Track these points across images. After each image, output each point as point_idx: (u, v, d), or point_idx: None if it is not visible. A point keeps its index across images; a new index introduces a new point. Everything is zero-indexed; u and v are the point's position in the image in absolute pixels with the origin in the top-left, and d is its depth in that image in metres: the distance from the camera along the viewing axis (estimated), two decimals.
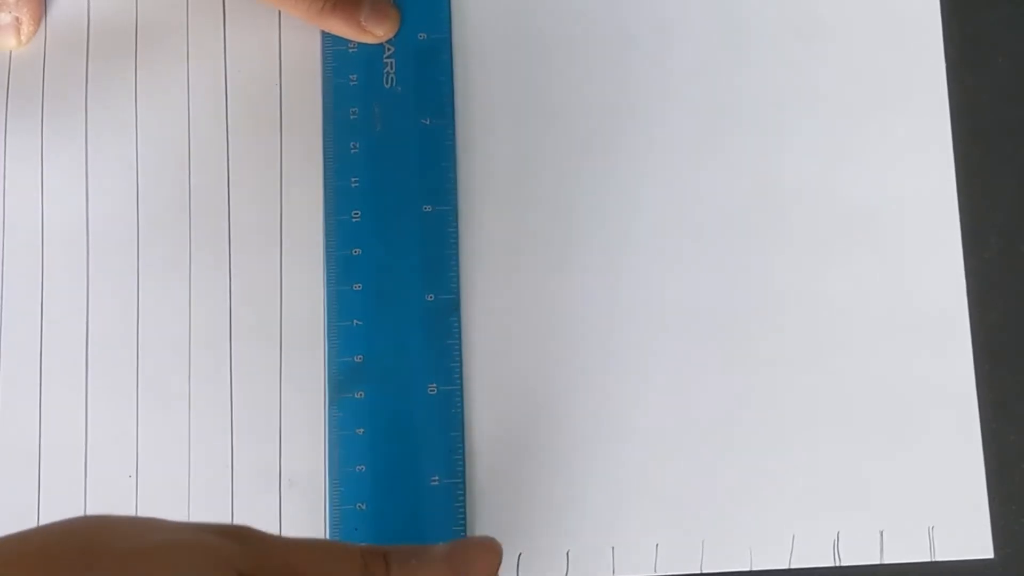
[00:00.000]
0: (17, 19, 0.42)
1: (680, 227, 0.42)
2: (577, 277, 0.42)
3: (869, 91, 0.43)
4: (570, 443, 0.41)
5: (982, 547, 0.40)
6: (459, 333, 0.41)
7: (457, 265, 0.41)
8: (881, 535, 0.40)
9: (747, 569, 0.40)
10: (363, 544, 0.35)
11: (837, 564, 0.40)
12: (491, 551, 0.34)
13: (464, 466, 0.40)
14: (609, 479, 0.40)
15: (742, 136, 0.42)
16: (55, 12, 0.43)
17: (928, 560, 0.40)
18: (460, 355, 0.41)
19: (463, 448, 0.40)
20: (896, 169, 0.42)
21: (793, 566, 0.40)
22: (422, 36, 0.43)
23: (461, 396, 0.41)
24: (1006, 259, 0.42)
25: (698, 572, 0.40)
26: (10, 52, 0.43)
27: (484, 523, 0.40)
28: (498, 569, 0.34)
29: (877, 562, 0.40)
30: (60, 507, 0.40)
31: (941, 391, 0.41)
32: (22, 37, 0.42)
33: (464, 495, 0.40)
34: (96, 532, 0.29)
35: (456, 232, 0.42)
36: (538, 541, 0.40)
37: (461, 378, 0.41)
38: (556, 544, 0.40)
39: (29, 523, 0.40)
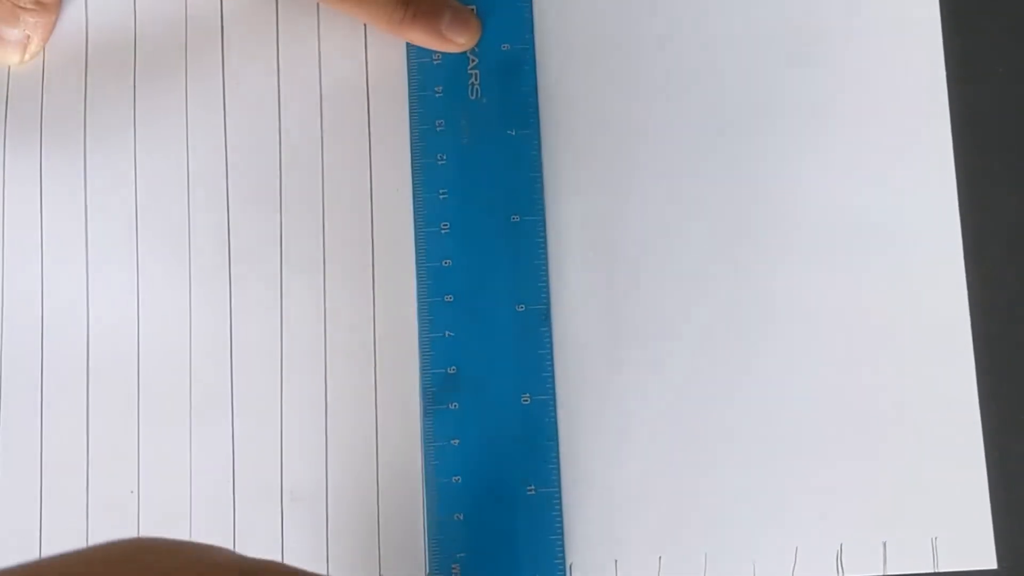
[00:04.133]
0: (28, 37, 0.42)
1: (679, 235, 0.42)
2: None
3: (870, 101, 0.43)
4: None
5: (985, 558, 0.40)
6: (551, 343, 0.41)
7: (546, 275, 0.42)
8: (884, 546, 0.40)
9: None
10: None
11: None
12: None
13: (559, 475, 0.41)
14: (610, 491, 0.41)
15: (742, 145, 0.42)
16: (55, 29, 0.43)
17: (931, 571, 0.40)
18: (552, 365, 0.41)
19: (558, 457, 0.41)
20: (897, 179, 0.42)
21: None
22: (505, 47, 0.43)
23: (554, 405, 0.41)
24: (1008, 269, 0.42)
25: None
26: (8, 68, 0.43)
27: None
28: None
29: (880, 573, 0.40)
30: (62, 521, 0.41)
31: (943, 401, 0.41)
32: (26, 55, 0.43)
33: (560, 504, 0.40)
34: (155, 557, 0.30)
35: (544, 242, 0.42)
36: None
37: (554, 387, 0.41)
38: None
39: (31, 538, 0.41)
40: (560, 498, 0.40)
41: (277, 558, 0.40)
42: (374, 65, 0.43)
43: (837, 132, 0.42)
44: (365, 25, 0.43)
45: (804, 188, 0.42)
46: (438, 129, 0.42)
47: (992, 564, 0.40)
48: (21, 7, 0.42)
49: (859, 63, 0.43)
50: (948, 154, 0.42)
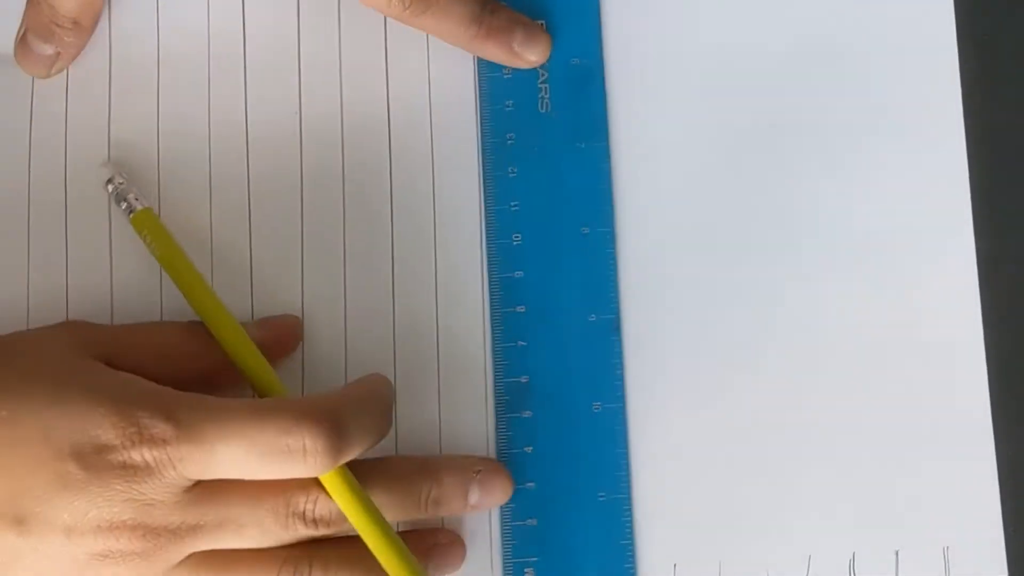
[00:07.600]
0: (58, 53, 0.43)
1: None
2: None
3: (884, 116, 0.43)
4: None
5: (997, 567, 0.41)
6: (621, 352, 0.42)
7: (617, 285, 0.43)
8: (896, 555, 0.41)
9: None
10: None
11: None
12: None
13: (629, 482, 0.42)
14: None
15: (756, 161, 0.43)
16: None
17: None
18: (623, 373, 0.42)
19: (628, 464, 0.42)
20: (911, 194, 0.43)
21: None
22: (575, 61, 0.44)
23: (624, 413, 0.42)
24: (1021, 283, 0.43)
25: None
26: (32, 79, 0.43)
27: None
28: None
29: None
30: None
31: (956, 411, 0.42)
32: (52, 70, 0.43)
33: (630, 510, 0.41)
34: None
35: (615, 253, 0.43)
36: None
37: (624, 396, 0.42)
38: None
39: None
40: (630, 504, 0.41)
41: None
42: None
43: (853, 149, 0.43)
44: (428, 40, 0.44)
45: (814, 202, 0.43)
46: (509, 142, 0.43)
47: (1003, 573, 0.41)
48: (57, 24, 0.42)
49: (874, 81, 0.43)
50: (963, 167, 0.43)
